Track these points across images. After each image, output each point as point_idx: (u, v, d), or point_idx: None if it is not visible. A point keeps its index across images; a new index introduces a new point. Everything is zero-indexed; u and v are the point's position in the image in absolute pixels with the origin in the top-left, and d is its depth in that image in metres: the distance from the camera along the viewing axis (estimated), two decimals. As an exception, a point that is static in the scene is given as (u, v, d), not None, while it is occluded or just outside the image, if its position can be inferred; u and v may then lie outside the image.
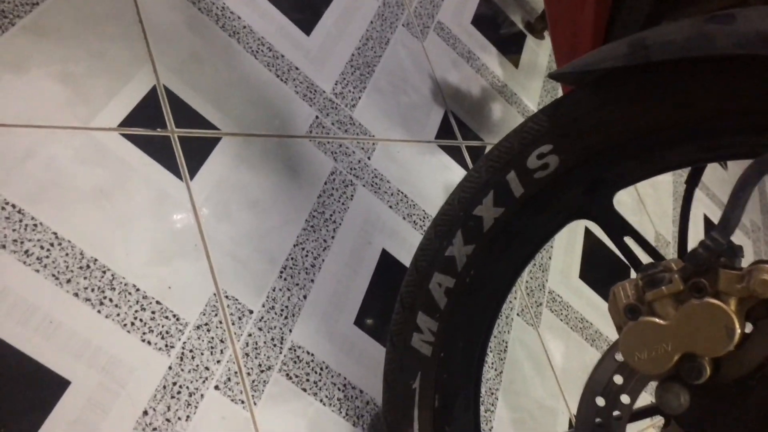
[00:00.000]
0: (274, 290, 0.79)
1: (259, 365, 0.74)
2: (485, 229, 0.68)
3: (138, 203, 0.74)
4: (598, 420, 0.61)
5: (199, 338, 0.70)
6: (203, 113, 0.85)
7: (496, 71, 1.35)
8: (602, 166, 0.64)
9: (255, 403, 0.71)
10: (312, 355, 0.79)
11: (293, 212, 0.87)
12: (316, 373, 0.78)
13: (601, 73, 0.60)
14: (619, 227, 0.65)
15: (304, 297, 0.82)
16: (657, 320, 0.52)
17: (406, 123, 1.11)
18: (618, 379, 0.60)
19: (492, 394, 0.94)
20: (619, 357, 0.60)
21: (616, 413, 0.61)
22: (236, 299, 0.75)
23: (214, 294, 0.74)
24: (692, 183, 0.73)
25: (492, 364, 0.97)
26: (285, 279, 0.81)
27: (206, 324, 0.72)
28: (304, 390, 0.76)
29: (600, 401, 0.61)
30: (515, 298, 1.06)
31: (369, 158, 1.01)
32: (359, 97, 1.07)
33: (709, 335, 0.50)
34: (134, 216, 0.73)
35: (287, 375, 0.75)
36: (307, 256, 0.85)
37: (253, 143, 0.88)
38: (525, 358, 1.01)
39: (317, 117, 0.98)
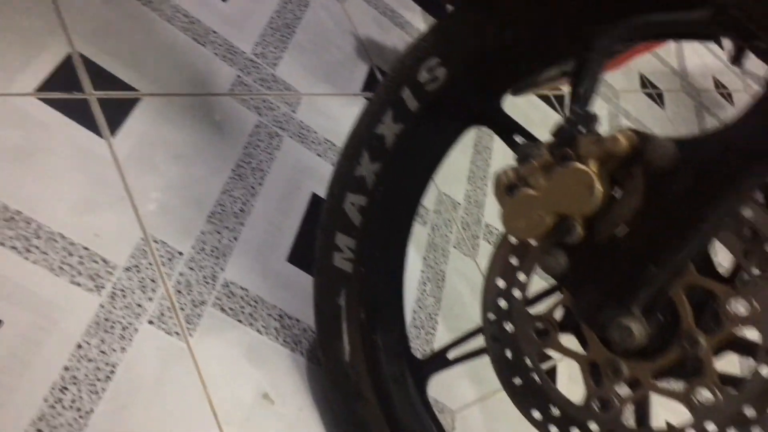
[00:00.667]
0: (203, 233, 0.83)
1: (192, 301, 0.77)
2: (388, 146, 0.72)
3: (60, 161, 0.77)
4: (503, 303, 0.66)
5: (129, 279, 0.74)
6: (121, 77, 0.89)
7: (420, 27, 1.40)
8: (486, 72, 0.69)
9: (191, 335, 0.75)
10: (246, 290, 0.82)
11: (219, 163, 0.90)
12: (251, 306, 0.81)
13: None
14: (508, 127, 0.69)
15: (235, 238, 0.85)
16: (531, 191, 0.56)
17: (330, 79, 1.15)
18: (514, 261, 0.65)
19: (432, 318, 0.98)
20: (512, 239, 0.65)
21: (517, 294, 0.65)
22: (165, 243, 0.79)
23: (142, 239, 0.77)
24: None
25: (430, 292, 1.01)
26: (214, 223, 0.85)
27: (136, 266, 0.75)
28: (240, 321, 0.79)
29: (500, 282, 0.65)
30: (451, 232, 1.11)
31: (294, 112, 1.05)
32: (281, 57, 1.10)
33: (574, 196, 0.54)
34: (57, 172, 0.76)
35: (221, 309, 0.79)
36: (235, 201, 0.89)
37: (174, 102, 0.92)
38: (464, 287, 1.06)
39: (238, 76, 1.02)
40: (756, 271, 0.54)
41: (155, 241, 0.78)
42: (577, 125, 0.55)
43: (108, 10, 0.93)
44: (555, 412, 0.64)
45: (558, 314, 0.64)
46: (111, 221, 0.76)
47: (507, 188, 0.58)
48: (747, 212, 0.54)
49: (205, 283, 0.79)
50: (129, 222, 0.78)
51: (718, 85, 2.43)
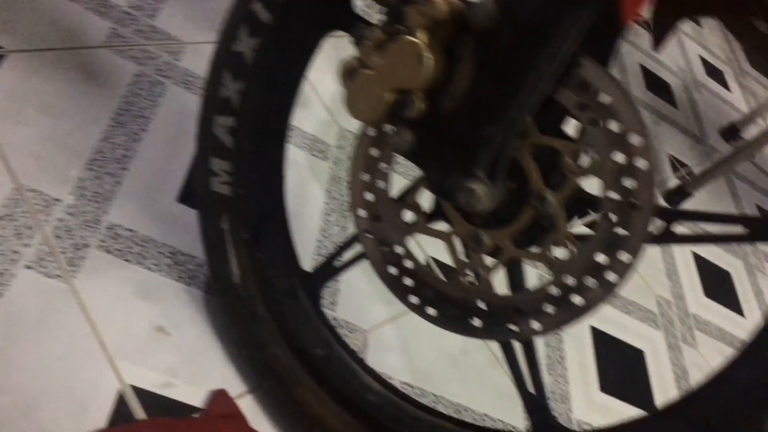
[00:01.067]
0: (82, 180, 0.82)
1: (74, 245, 0.76)
2: (248, 62, 0.72)
3: None
4: (369, 196, 0.66)
5: (2, 228, 0.73)
6: (-17, 35, 0.87)
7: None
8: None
9: (74, 276, 0.74)
10: (133, 231, 0.82)
11: (96, 113, 0.89)
12: (139, 245, 0.81)
13: None
14: (356, 22, 0.69)
15: (118, 183, 0.85)
16: (368, 72, 0.57)
17: (216, 26, 1.14)
18: (374, 152, 0.65)
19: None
20: (370, 131, 0.65)
21: (381, 185, 0.66)
22: (40, 191, 0.78)
23: (14, 189, 0.76)
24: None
25: (335, 221, 1.02)
26: (94, 170, 0.84)
27: (9, 215, 0.74)
28: (128, 261, 0.79)
29: (365, 177, 0.66)
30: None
31: (178, 60, 1.04)
32: (160, 8, 1.09)
33: (407, 69, 0.55)
34: None
35: (107, 250, 0.78)
36: (116, 148, 0.88)
37: (45, 57, 0.90)
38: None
39: (113, 29, 1.00)
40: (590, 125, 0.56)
41: (29, 191, 0.77)
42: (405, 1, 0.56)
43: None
44: (430, 293, 0.65)
45: (428, 204, 0.65)
46: (-21, 174, 0.75)
47: (348, 74, 0.59)
48: (581, 68, 0.56)
49: (87, 227, 0.79)
50: (-1, 173, 0.77)
51: (630, 15, 2.48)
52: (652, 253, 1.53)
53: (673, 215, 0.61)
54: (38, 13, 0.94)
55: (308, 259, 0.95)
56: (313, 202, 1.04)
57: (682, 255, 1.59)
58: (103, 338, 0.72)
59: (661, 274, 1.52)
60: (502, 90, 0.54)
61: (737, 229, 0.60)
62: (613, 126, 0.55)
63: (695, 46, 2.63)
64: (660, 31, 0.70)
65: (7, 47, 0.88)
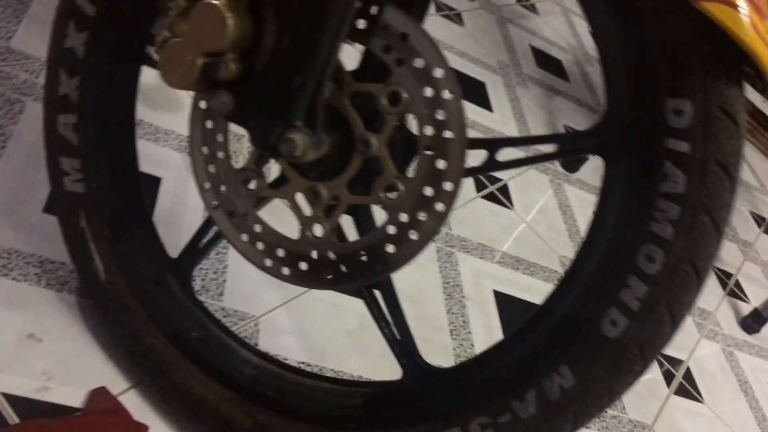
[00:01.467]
0: (-64, 201, 0.81)
1: (-69, 263, 0.75)
2: (81, 57, 0.73)
3: None
4: (212, 168, 0.68)
5: None
6: None
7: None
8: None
9: (-68, 295, 0.73)
10: (-4, 245, 0.81)
11: (-51, 135, 0.88)
12: (3, 258, 0.80)
13: None
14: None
15: (-23, 201, 0.84)
16: (176, 39, 0.59)
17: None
18: (209, 125, 0.67)
19: (217, 238, 1.00)
20: (201, 104, 0.67)
21: (221, 155, 0.67)
22: None
23: None
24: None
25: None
26: (-51, 190, 0.83)
27: None
28: (-8, 274, 0.78)
29: (204, 150, 0.68)
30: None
31: (37, 77, 1.03)
32: (15, 29, 1.08)
33: (212, 31, 0.57)
34: None
35: (-32, 266, 0.77)
36: (-28, 168, 0.87)
37: None
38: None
39: (-35, 53, 0.99)
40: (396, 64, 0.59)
41: None
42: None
43: None
44: (281, 253, 0.67)
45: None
46: None
47: (159, 45, 0.60)
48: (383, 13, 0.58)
49: (-56, 245, 0.78)
50: None
51: (519, -1, 2.56)
52: (554, 218, 1.58)
53: (491, 143, 0.65)
54: None
55: (191, 255, 0.95)
56: (194, 200, 1.04)
57: (584, 217, 1.65)
58: (-32, 351, 0.71)
59: (563, 236, 1.58)
60: (303, 40, 0.57)
61: (550, 147, 0.63)
62: (418, 63, 0.58)
63: (584, 24, 2.73)
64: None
65: None
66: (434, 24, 1.98)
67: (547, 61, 2.26)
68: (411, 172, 0.62)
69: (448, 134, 0.59)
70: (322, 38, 0.56)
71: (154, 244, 0.78)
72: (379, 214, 0.65)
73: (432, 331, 1.12)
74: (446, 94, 0.58)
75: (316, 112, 0.59)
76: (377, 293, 0.72)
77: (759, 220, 2.26)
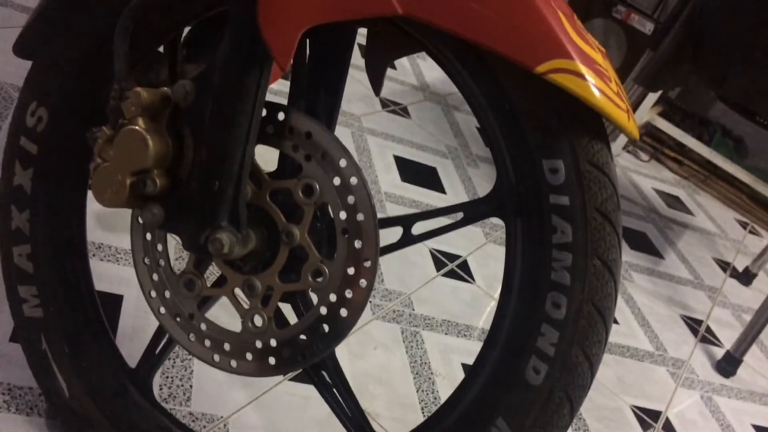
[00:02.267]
0: None
1: None
2: (29, 192, 0.80)
3: None
4: (156, 277, 0.73)
5: None
6: None
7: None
8: (79, 98, 0.78)
9: None
10: (-37, 378, 0.85)
11: None
12: (-30, 390, 0.84)
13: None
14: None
15: (-57, 338, 0.88)
16: (104, 164, 0.65)
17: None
18: (149, 237, 0.73)
19: (180, 346, 1.04)
20: (139, 219, 0.73)
21: (163, 263, 0.73)
22: None
23: None
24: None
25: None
26: None
27: None
28: (-41, 407, 0.81)
29: (147, 260, 0.73)
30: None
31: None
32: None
33: (136, 152, 0.64)
34: None
35: (-64, 401, 0.81)
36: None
37: None
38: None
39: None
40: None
41: None
42: (120, 98, 0.66)
43: None
44: (227, 347, 0.71)
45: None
46: None
47: (93, 171, 0.67)
48: (288, 117, 0.66)
49: None
50: None
51: (463, 88, 2.71)
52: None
53: (406, 219, 0.71)
54: None
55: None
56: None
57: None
58: (-62, 484, 0.74)
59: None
60: (217, 149, 0.64)
61: (459, 215, 0.70)
62: (322, 156, 0.65)
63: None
64: (375, 79, 0.82)
65: None
66: (379, 120, 2.09)
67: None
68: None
69: (360, 216, 0.65)
70: (233, 146, 0.63)
71: (113, 357, 0.82)
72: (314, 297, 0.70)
73: (403, 411, 1.15)
74: (353, 180, 0.65)
75: (239, 211, 0.65)
76: (325, 375, 0.76)
77: (724, 264, 2.33)
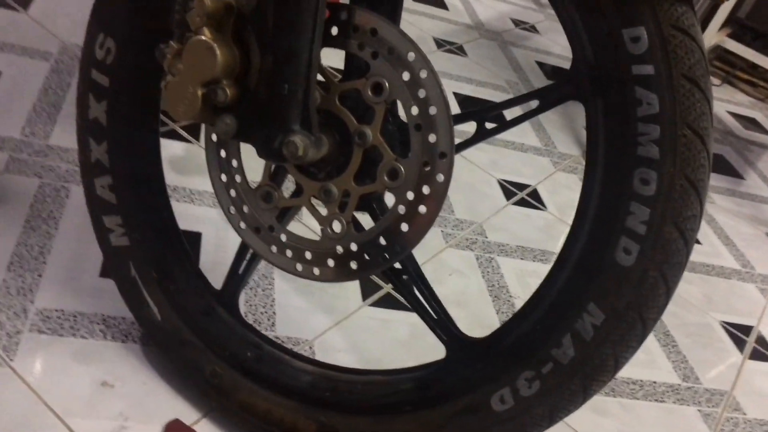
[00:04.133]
0: (5, 281, 0.89)
1: (7, 333, 0.83)
2: (105, 124, 0.81)
3: None
4: (233, 193, 0.74)
5: (-66, 336, 0.79)
6: None
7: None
8: (147, 27, 0.79)
9: (11, 360, 0.80)
10: (61, 310, 0.88)
11: (6, 226, 0.97)
12: (69, 320, 0.87)
13: None
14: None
15: (39, 275, 0.92)
16: (175, 79, 0.66)
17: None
18: (223, 153, 0.74)
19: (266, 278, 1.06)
20: (212, 137, 0.74)
21: (239, 179, 0.74)
22: (-35, 299, 0.85)
23: (-60, 302, 0.83)
24: None
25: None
26: (14, 270, 0.91)
27: (-61, 325, 0.81)
28: (61, 335, 0.85)
29: (223, 177, 0.74)
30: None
31: (77, 165, 1.13)
32: (52, 130, 1.19)
33: (205, 63, 0.64)
34: None
35: (39, 331, 0.85)
36: (32, 248, 0.95)
37: (-49, 195, 0.99)
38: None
39: (11, 156, 1.10)
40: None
41: (-45, 301, 0.84)
42: (185, 11, 0.65)
43: None
44: (308, 256, 0.72)
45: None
46: None
47: (165, 87, 0.67)
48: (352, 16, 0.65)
49: (16, 317, 0.85)
50: (-76, 295, 0.84)
51: (517, 23, 2.63)
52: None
53: (480, 113, 0.69)
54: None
55: (239, 295, 1.01)
56: (234, 246, 1.11)
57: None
58: (50, 404, 0.77)
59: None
60: (284, 54, 0.63)
61: (535, 103, 0.68)
62: (389, 51, 0.64)
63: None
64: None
65: None
66: (439, 59, 2.06)
67: (554, 72, 2.31)
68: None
69: (432, 110, 0.64)
70: (299, 48, 0.62)
71: (199, 279, 0.84)
72: (389, 198, 0.70)
73: (485, 331, 1.14)
74: (423, 74, 0.63)
75: (310, 114, 0.65)
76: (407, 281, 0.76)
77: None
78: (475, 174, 1.56)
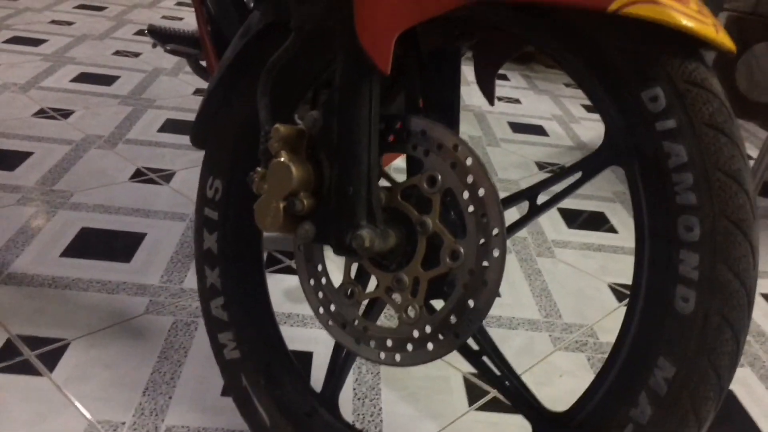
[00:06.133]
0: (141, 404, 1.00)
1: (140, 448, 0.93)
2: (217, 253, 0.94)
3: (17, 414, 0.98)
4: (321, 295, 0.82)
5: (81, 451, 0.90)
6: (51, 335, 1.13)
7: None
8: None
9: (143, 470, 0.89)
10: (187, 427, 0.97)
11: (144, 358, 1.11)
12: (194, 435, 0.96)
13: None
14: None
15: (170, 398, 1.03)
16: (261, 197, 0.77)
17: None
18: (309, 260, 0.83)
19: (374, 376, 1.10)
20: (299, 248, 0.84)
21: (324, 281, 0.82)
22: (108, 420, 0.96)
23: (89, 425, 0.95)
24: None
25: (363, 371, 1.14)
26: (149, 394, 1.03)
27: (85, 441, 0.92)
28: (186, 448, 0.94)
29: (311, 282, 0.83)
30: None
31: (206, 304, 1.27)
32: (186, 275, 1.36)
33: (284, 180, 0.75)
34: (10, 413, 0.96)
35: (167, 445, 0.94)
36: (164, 375, 1.07)
37: (97, 336, 1.15)
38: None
39: (151, 300, 1.26)
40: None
41: (99, 422, 0.96)
42: (266, 141, 0.78)
43: (36, 300, 1.21)
44: (389, 343, 0.77)
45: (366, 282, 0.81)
46: (60, 424, 0.95)
47: (256, 207, 0.79)
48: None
49: (149, 434, 0.95)
50: (75, 416, 0.96)
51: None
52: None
53: (529, 191, 0.75)
54: (91, 312, 1.21)
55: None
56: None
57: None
58: None
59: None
60: (346, 160, 0.73)
61: (578, 175, 0.73)
62: (438, 147, 0.72)
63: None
64: (487, 89, 0.90)
65: (67, 338, 1.13)
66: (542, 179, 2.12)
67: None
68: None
69: (481, 191, 0.70)
70: (359, 153, 0.72)
71: (301, 383, 0.91)
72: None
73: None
74: (468, 161, 0.71)
75: (374, 210, 0.73)
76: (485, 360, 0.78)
77: None
78: (583, 280, 1.56)
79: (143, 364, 1.09)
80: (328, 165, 0.76)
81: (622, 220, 1.91)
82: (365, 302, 0.81)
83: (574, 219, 1.88)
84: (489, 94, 0.89)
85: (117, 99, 2.28)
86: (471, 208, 0.71)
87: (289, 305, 1.31)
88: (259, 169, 0.79)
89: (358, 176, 0.73)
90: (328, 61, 0.84)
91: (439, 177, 0.72)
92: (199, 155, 1.91)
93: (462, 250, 0.72)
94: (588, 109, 2.94)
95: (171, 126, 2.12)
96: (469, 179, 0.71)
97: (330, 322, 0.82)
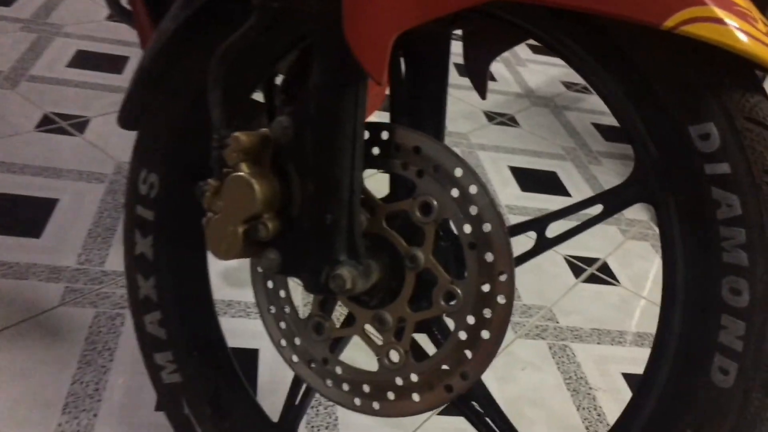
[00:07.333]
0: (60, 425, 0.87)
1: (62, 485, 0.80)
2: (151, 259, 0.79)
3: None
4: (283, 325, 0.70)
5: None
6: (-51, 336, 0.96)
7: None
8: (186, 161, 0.77)
9: None
10: (118, 453, 0.85)
11: (62, 363, 0.96)
12: (126, 464, 0.84)
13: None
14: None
15: (95, 415, 0.89)
16: (215, 216, 0.63)
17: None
18: (270, 284, 0.70)
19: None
20: (258, 268, 0.70)
21: (288, 310, 0.70)
22: (21, 449, 0.82)
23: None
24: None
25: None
26: (69, 412, 0.89)
27: (-5, 481, 0.78)
28: (117, 482, 0.81)
29: (272, 309, 0.70)
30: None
31: (133, 289, 1.12)
32: (107, 254, 1.19)
33: (245, 199, 0.61)
34: None
35: (95, 479, 0.81)
36: (87, 386, 0.93)
37: (5, 334, 0.98)
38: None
39: (67, 287, 1.10)
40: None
41: (11, 452, 0.82)
42: (221, 147, 0.63)
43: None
44: (366, 389, 0.66)
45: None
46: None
47: (206, 226, 0.65)
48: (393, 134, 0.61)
49: (72, 464, 0.82)
50: (-19, 448, 0.82)
51: (568, 85, 2.59)
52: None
53: (539, 222, 0.64)
54: (-2, 300, 1.04)
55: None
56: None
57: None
58: None
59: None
60: (323, 180, 0.60)
61: (598, 208, 0.62)
62: (435, 169, 0.60)
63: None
64: (479, 81, 0.76)
65: (-27, 338, 0.96)
66: (488, 134, 2.02)
67: (614, 133, 2.24)
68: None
69: (486, 226, 0.59)
70: (340, 174, 0.59)
71: (255, 413, 0.80)
72: (450, 322, 0.64)
73: (567, 433, 1.05)
74: (472, 189, 0.59)
75: (356, 243, 0.61)
76: (475, 405, 0.69)
77: None
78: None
79: (61, 373, 0.94)
80: (299, 182, 0.62)
81: (575, 182, 1.85)
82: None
83: (527, 179, 1.80)
84: (481, 88, 0.76)
85: (18, 24, 1.99)
86: (473, 245, 0.59)
87: (229, 291, 1.17)
88: (210, 181, 0.64)
89: (338, 203, 0.60)
90: (294, 42, 0.68)
91: (436, 204, 0.60)
92: (119, 98, 1.69)
93: (460, 292, 0.60)
94: (534, 49, 2.83)
95: (83, 59, 1.86)
96: (473, 210, 0.59)
97: (294, 358, 0.70)
